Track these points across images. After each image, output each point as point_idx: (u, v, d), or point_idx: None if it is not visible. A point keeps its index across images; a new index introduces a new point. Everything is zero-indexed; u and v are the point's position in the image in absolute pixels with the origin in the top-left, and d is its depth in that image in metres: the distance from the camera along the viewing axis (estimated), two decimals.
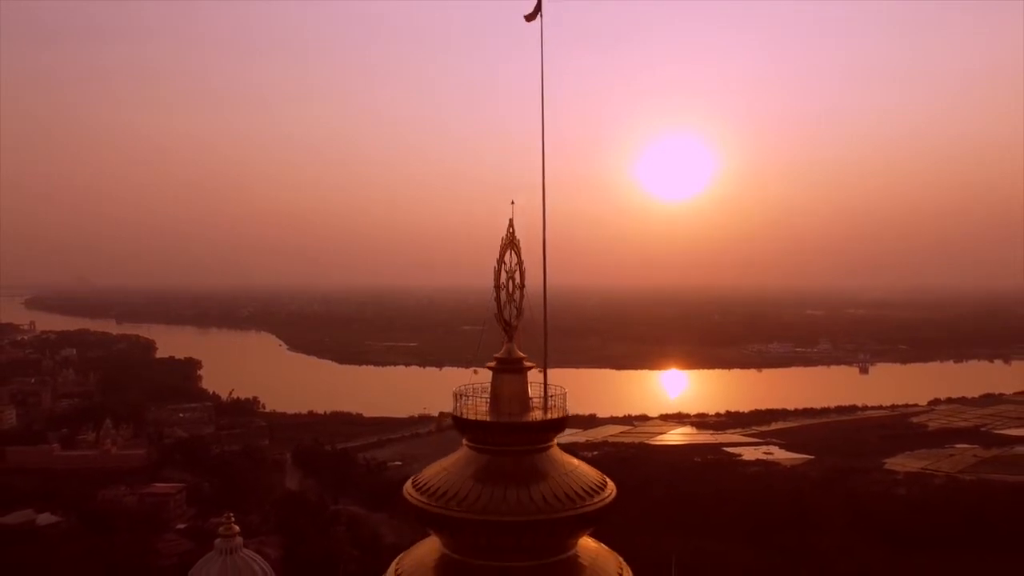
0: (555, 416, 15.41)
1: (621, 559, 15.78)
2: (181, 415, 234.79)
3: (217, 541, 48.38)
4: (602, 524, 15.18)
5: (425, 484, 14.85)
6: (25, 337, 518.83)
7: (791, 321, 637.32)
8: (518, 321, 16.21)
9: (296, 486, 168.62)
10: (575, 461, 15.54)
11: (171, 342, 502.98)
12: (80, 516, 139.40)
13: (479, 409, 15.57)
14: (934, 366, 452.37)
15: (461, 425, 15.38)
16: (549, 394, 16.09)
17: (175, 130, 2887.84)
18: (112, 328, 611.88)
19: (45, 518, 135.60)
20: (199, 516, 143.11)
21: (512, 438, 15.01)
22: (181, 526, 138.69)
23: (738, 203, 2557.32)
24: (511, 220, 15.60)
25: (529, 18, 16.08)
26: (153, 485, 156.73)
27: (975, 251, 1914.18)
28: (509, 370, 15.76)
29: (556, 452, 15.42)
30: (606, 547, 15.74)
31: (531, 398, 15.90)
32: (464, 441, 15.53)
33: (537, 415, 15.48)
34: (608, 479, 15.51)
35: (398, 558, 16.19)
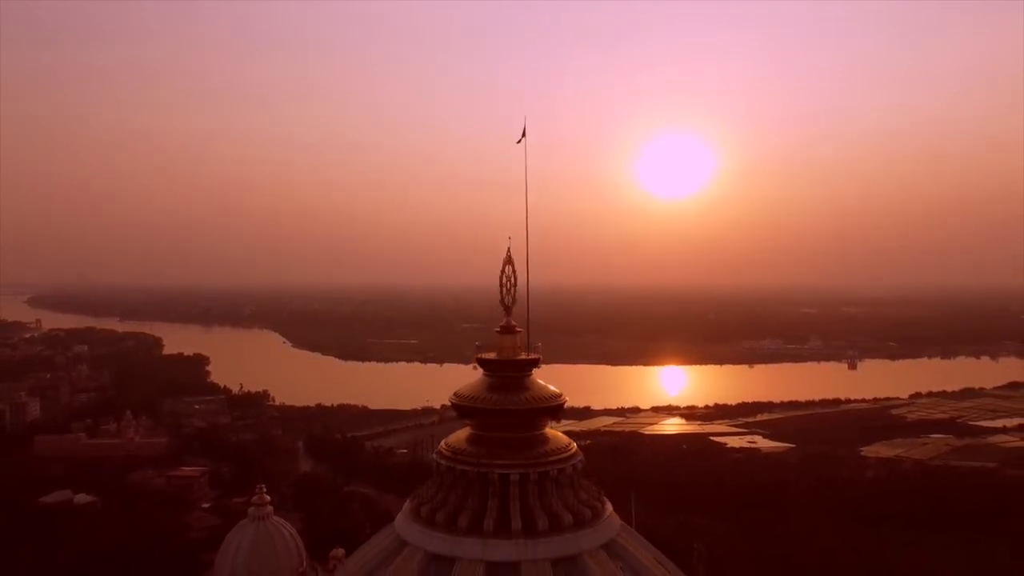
0: (533, 357, 27.38)
1: (572, 440, 27.61)
2: (197, 407, 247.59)
3: (250, 509, 58.07)
4: (559, 416, 27.31)
5: (462, 393, 26.77)
6: (34, 335, 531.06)
7: (785, 319, 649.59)
8: (512, 304, 28.02)
9: (310, 471, 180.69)
10: (543, 382, 27.34)
11: (177, 339, 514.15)
12: (113, 496, 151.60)
13: (490, 353, 27.54)
14: (922, 362, 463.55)
15: (480, 362, 27.15)
16: (531, 346, 28.19)
17: (175, 129, 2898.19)
18: (115, 326, 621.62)
19: (81, 498, 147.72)
20: (222, 496, 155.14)
21: (508, 367, 26.70)
22: (206, 505, 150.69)
23: (737, 202, 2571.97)
24: (508, 249, 27.37)
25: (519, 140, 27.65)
26: (179, 468, 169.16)
27: (973, 250, 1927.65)
28: (507, 332, 27.55)
29: (534, 377, 27.11)
30: (561, 432, 27.65)
31: (520, 348, 27.70)
32: (482, 372, 27.41)
33: (523, 356, 27.41)
34: (563, 393, 27.41)
35: (444, 440, 28.02)
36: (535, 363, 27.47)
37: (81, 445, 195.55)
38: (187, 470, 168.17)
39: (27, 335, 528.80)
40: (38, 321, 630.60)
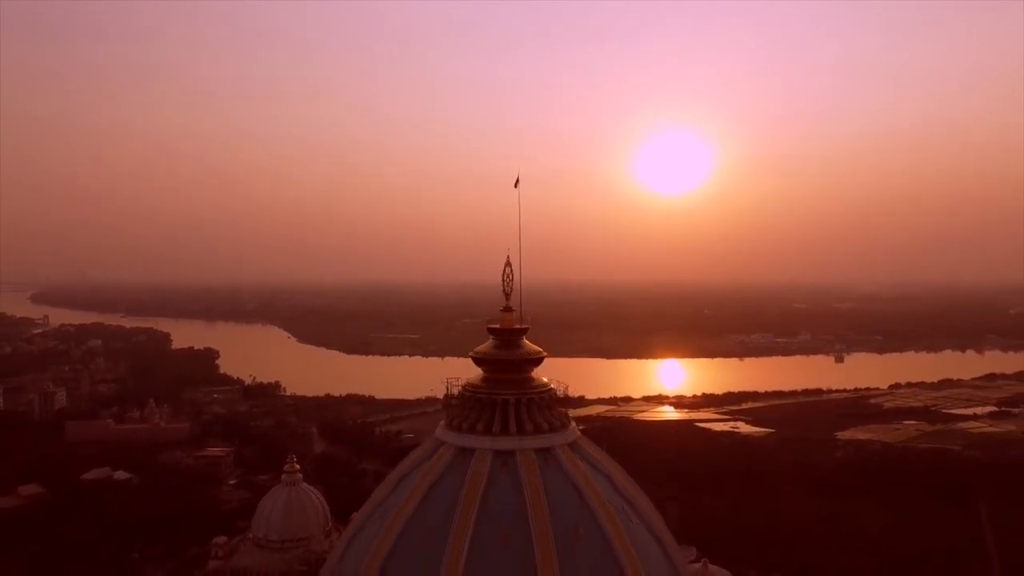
0: (524, 327, 41.95)
1: (549, 381, 42.22)
2: (215, 396, 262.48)
3: (283, 476, 67.61)
4: (542, 367, 41.94)
5: (479, 350, 41.22)
6: (45, 330, 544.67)
7: (777, 314, 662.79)
8: (511, 292, 42.49)
9: (325, 452, 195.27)
10: (529, 342, 41.92)
11: (184, 334, 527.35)
12: (148, 474, 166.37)
13: (496, 324, 42.13)
14: (907, 355, 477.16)
15: (489, 330, 41.64)
16: (523, 320, 42.81)
17: (175, 128, 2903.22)
18: (120, 321, 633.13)
19: (120, 474, 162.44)
20: (246, 474, 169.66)
21: (507, 333, 41.10)
22: (233, 481, 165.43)
23: (732, 199, 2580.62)
24: (508, 256, 41.80)
25: (516, 184, 41.94)
26: (205, 450, 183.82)
27: (967, 247, 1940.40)
28: (507, 311, 41.98)
29: (525, 340, 41.84)
30: (543, 376, 42.19)
31: (515, 321, 42.22)
32: (490, 337, 41.97)
33: (518, 326, 42.01)
34: (543, 350, 41.94)
35: (463, 383, 42.61)
36: (525, 331, 42.24)
37: (110, 430, 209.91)
38: (213, 451, 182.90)
39: (37, 331, 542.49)
40: (46, 317, 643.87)
